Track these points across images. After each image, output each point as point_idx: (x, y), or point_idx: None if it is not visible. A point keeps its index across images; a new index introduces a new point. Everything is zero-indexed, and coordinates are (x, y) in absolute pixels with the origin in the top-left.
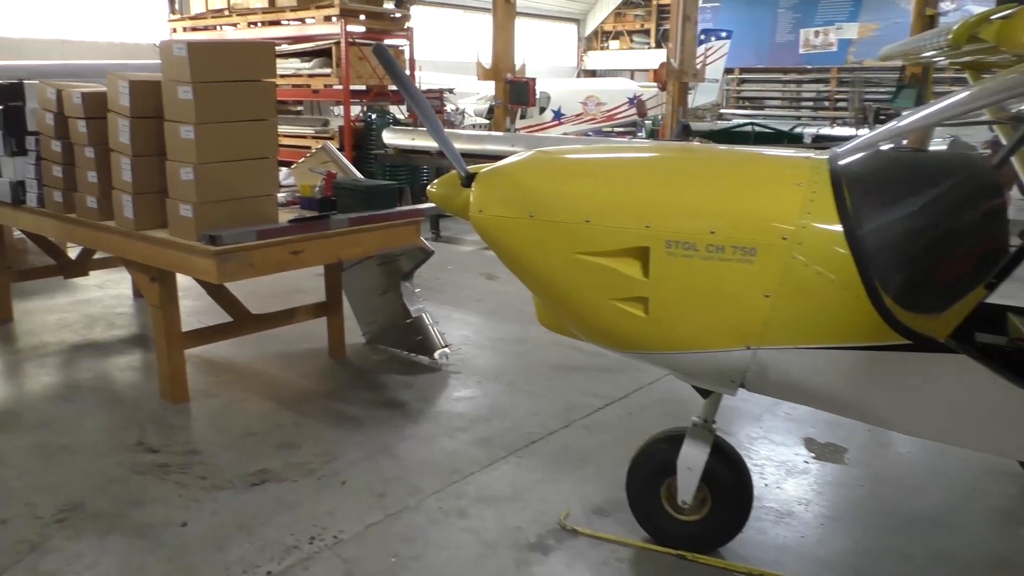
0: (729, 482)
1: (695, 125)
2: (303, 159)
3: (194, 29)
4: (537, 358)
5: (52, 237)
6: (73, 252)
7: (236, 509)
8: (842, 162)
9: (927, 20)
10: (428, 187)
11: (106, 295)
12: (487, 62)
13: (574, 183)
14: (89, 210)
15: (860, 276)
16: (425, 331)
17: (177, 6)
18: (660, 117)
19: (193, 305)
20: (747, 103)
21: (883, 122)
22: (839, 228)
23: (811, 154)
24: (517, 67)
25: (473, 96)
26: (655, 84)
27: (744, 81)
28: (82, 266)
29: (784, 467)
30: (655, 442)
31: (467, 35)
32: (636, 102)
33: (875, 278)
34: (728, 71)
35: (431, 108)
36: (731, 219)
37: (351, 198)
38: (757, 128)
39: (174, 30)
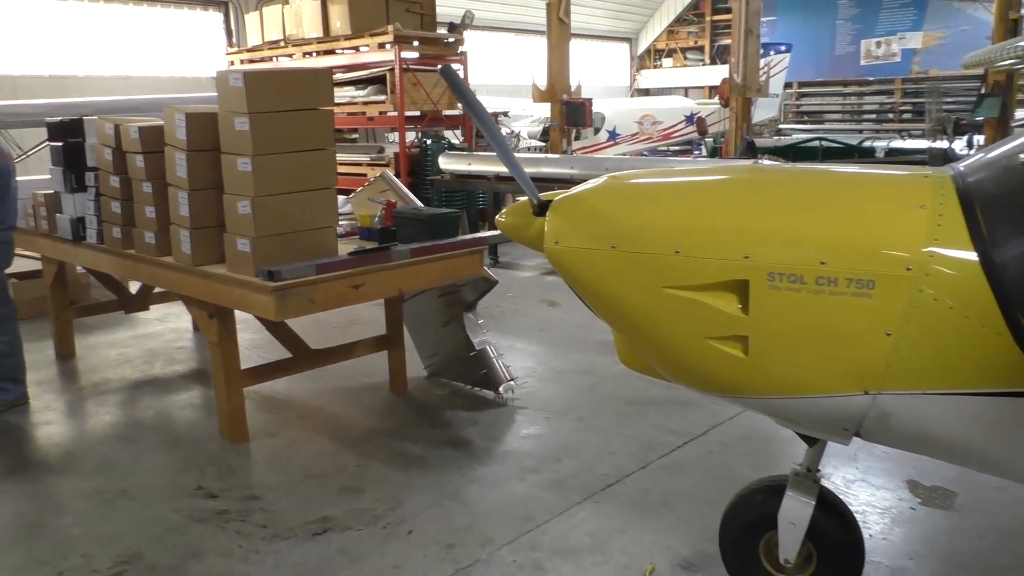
0: (838, 538)
1: (758, 141)
2: (361, 188)
3: (251, 61)
4: (607, 391)
5: (111, 273)
6: (134, 286)
7: (298, 562)
8: (971, 179)
9: (1010, 24)
10: (497, 216)
11: (166, 328)
12: (542, 84)
13: (660, 210)
14: (147, 246)
15: (1001, 311)
16: (489, 364)
17: (235, 39)
18: (722, 134)
19: (252, 338)
20: (806, 117)
21: (964, 133)
22: (973, 256)
23: (928, 171)
24: (572, 88)
25: (527, 119)
26: (712, 101)
27: (803, 95)
28: (143, 301)
29: (889, 515)
30: (751, 492)
31: (520, 58)
32: (696, 120)
33: (1019, 313)
34: (787, 85)
35: (500, 131)
36: (845, 248)
37: (411, 228)
38: (825, 143)
39: (232, 63)
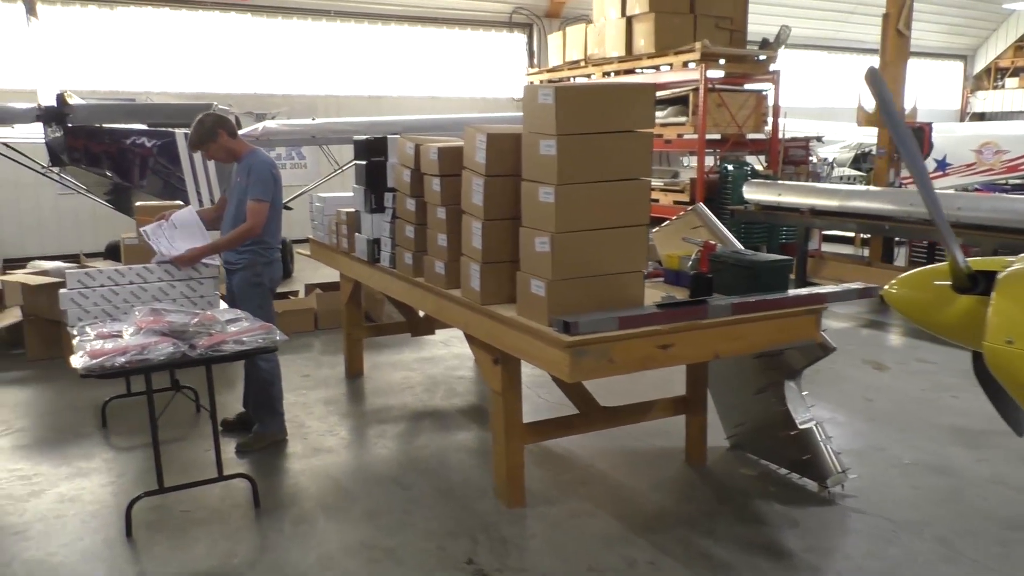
0: None
1: None
2: (669, 221)
3: (550, 81)
4: (976, 503)
5: (401, 300)
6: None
7: None
8: None
9: None
10: (886, 287)
11: (449, 353)
12: (870, 105)
13: None
14: (436, 275)
15: None
16: (815, 449)
17: (536, 60)
18: None
19: (534, 375)
20: None
21: None
22: None
23: None
24: (907, 109)
25: (835, 144)
26: None
27: None
28: (428, 325)
29: None
30: None
31: (832, 77)
32: None
33: None
34: None
35: (922, 161)
36: None
37: (733, 276)
38: None
39: (531, 83)
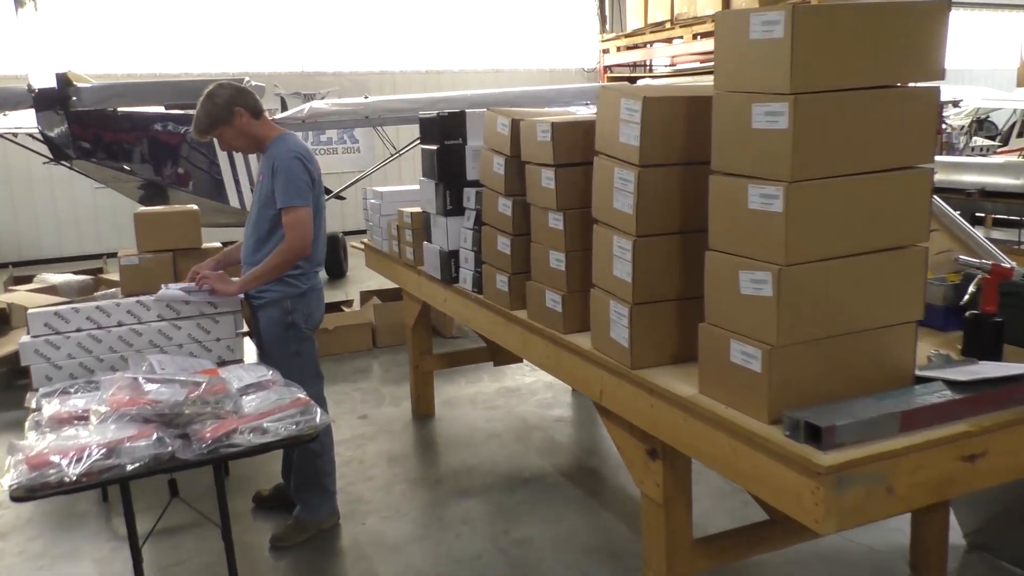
0: None
1: None
2: None
3: (629, 48)
4: None
5: (490, 338)
6: None
7: None
8: None
9: None
10: None
11: (539, 383)
12: None
13: None
14: (548, 313)
15: None
16: None
17: (608, 25)
18: None
19: None
20: None
21: None
22: None
23: None
24: None
25: (952, 111)
26: None
27: None
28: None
29: None
30: None
31: (959, 38)
32: None
33: None
34: None
35: None
36: None
37: None
38: None
39: (606, 51)
